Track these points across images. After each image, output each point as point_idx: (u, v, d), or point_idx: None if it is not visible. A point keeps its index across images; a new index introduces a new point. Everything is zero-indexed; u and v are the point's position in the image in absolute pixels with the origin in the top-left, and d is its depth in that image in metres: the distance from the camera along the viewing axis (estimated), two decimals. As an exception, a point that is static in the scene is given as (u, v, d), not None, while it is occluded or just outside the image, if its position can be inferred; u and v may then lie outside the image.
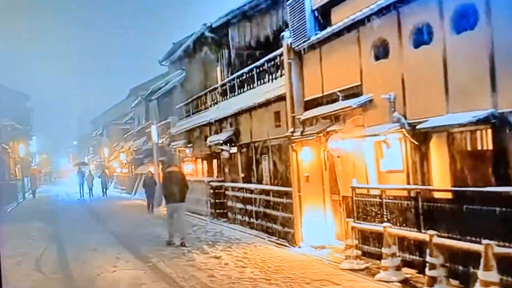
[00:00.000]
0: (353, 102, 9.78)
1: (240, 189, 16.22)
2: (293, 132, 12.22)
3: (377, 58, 9.67)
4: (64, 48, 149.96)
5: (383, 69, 9.47)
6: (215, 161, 20.47)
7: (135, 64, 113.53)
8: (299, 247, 12.10)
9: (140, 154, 34.16)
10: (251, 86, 16.09)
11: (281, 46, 13.76)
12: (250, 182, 16.44)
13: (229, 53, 18.93)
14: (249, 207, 15.43)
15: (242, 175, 17.35)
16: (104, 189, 38.91)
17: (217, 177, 20.03)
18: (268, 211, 14.02)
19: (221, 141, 17.52)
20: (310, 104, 11.99)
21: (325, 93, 11.38)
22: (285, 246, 12.49)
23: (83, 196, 37.55)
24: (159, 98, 30.37)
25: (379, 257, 9.39)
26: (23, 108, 48.69)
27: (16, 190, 34.61)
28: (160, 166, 26.12)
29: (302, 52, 12.06)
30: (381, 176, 9.70)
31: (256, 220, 14.87)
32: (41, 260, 12.17)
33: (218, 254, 11.67)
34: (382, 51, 9.52)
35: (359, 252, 9.68)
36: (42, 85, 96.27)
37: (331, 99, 11.07)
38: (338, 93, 10.65)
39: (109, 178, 46.60)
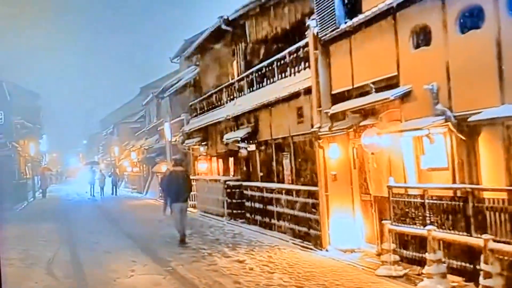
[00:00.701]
0: (391, 93, 9.00)
1: (259, 188, 15.46)
2: (320, 127, 11.46)
3: (416, 46, 8.89)
4: (73, 47, 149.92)
5: (423, 57, 8.68)
6: (231, 159, 19.77)
7: (145, 62, 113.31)
8: (326, 250, 11.34)
9: (152, 152, 33.52)
10: (271, 81, 15.34)
11: (305, 37, 13.07)
12: (269, 181, 15.71)
13: (246, 46, 18.21)
14: (269, 207, 14.67)
15: (261, 174, 16.62)
16: (114, 188, 38.41)
17: (233, 176, 19.33)
18: (291, 211, 13.26)
19: (239, 138, 16.79)
20: (338, 98, 11.22)
21: (355, 86, 10.61)
22: (311, 249, 11.73)
23: (94, 195, 37.08)
24: (171, 95, 29.72)
25: (418, 262, 8.66)
26: (33, 106, 48.16)
27: (26, 189, 34.08)
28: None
29: (330, 42, 11.30)
30: (421, 174, 8.91)
31: (278, 221, 14.12)
32: (53, 263, 11.51)
33: (241, 258, 10.93)
34: (423, 38, 8.74)
35: (397, 257, 8.91)
36: (51, 84, 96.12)
37: (363, 91, 10.30)
38: (371, 85, 9.88)
39: (120, 177, 46.12)
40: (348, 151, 11.46)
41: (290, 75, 14.04)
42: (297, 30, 14.93)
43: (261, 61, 16.59)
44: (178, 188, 13.29)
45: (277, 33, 16.64)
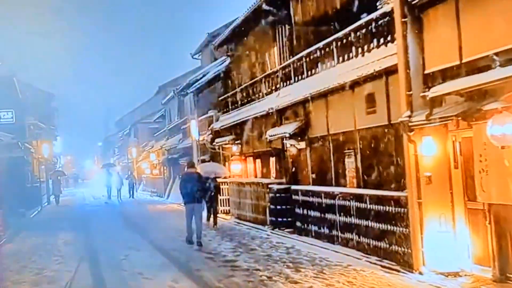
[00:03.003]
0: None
1: (316, 193, 12.96)
2: (410, 116, 8.98)
3: None
4: (88, 48, 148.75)
5: None
6: (272, 159, 17.35)
7: (162, 61, 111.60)
8: (420, 273, 8.86)
9: (174, 153, 31.22)
10: (328, 65, 12.90)
11: (372, 10, 10.82)
12: (324, 184, 13.30)
13: (291, 29, 15.75)
14: (330, 216, 12.20)
15: (313, 176, 14.19)
16: (132, 191, 36.31)
17: (275, 178, 16.91)
18: (362, 222, 10.79)
19: (287, 135, 14.36)
20: (436, 78, 8.76)
21: (465, 60, 8.12)
22: (397, 271, 9.24)
23: (111, 198, 34.99)
24: (196, 91, 27.41)
25: None
26: (48, 107, 46.24)
27: (40, 193, 31.93)
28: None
29: (425, 7, 8.85)
30: None
31: (342, 233, 11.64)
32: (72, 289, 9.19)
33: (314, 284, 8.49)
34: None
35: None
36: (66, 85, 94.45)
37: (478, 67, 7.82)
38: (495, 57, 7.38)
39: (137, 179, 43.99)
40: (446, 146, 9.00)
41: (355, 56, 11.61)
42: (358, 4, 12.61)
43: (310, 45, 14.16)
44: (190, 190, 13.28)
45: (329, 10, 14.21)
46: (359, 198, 10.95)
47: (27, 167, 29.37)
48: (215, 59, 26.90)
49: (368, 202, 10.57)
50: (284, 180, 15.64)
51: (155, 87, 49.75)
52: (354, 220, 11.14)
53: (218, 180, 17.76)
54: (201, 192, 13.64)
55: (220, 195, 18.70)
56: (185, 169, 14.51)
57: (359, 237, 10.96)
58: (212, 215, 17.11)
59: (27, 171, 29.24)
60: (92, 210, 28.32)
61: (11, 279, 10.21)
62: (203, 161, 22.77)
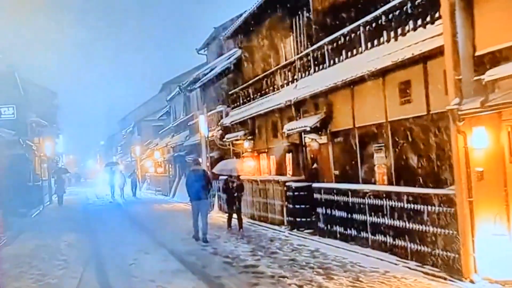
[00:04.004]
0: None
1: (342, 191, 11.88)
2: (459, 103, 7.93)
3: None
4: (90, 46, 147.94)
5: None
6: (288, 155, 16.30)
7: (166, 59, 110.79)
8: (471, 281, 7.84)
9: (181, 150, 30.20)
10: (354, 52, 11.89)
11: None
12: (349, 181, 12.28)
13: (309, 17, 14.74)
14: (357, 216, 11.14)
15: (336, 172, 13.17)
16: (134, 190, 35.36)
17: (292, 175, 15.88)
18: (399, 223, 9.72)
19: (308, 128, 13.32)
20: (489, 60, 7.73)
21: (527, 38, 7.10)
22: (444, 278, 8.21)
23: (114, 197, 34.01)
24: (203, 86, 26.40)
25: None
26: (50, 105, 45.28)
27: (42, 192, 30.88)
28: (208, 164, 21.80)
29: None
30: None
31: (374, 235, 10.59)
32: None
33: (354, 296, 7.46)
34: None
35: None
36: (69, 83, 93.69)
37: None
38: None
39: (141, 178, 43.00)
40: (499, 138, 7.97)
41: (387, 41, 10.61)
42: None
43: (331, 32, 13.12)
44: (195, 186, 13.32)
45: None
46: (394, 196, 9.90)
47: (28, 165, 28.32)
48: (222, 54, 25.96)
49: (405, 200, 9.52)
50: (302, 178, 14.61)
51: (158, 85, 48.96)
52: (387, 220, 10.09)
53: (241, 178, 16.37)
54: (207, 189, 13.68)
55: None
56: (191, 166, 14.58)
57: (393, 240, 9.91)
58: (237, 218, 15.16)
59: (28, 169, 28.19)
60: (96, 209, 27.27)
61: (9, 287, 9.21)
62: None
